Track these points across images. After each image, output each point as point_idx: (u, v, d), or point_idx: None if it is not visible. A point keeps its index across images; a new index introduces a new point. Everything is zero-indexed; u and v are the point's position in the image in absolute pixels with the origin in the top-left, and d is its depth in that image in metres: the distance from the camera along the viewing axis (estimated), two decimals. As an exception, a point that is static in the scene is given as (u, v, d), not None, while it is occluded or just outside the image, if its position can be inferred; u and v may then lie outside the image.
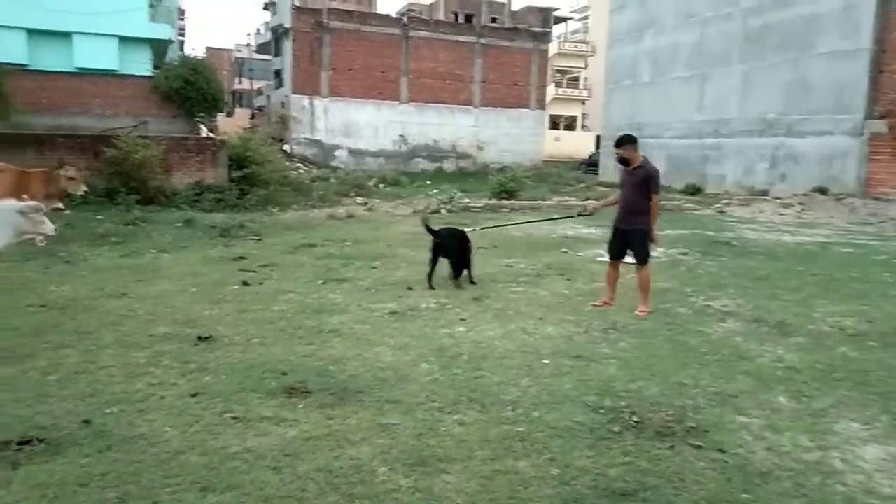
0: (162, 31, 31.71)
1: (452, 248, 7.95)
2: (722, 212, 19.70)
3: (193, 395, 4.20)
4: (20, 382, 4.39)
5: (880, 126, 19.56)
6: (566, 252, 11.05)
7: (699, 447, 3.68)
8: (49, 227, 6.12)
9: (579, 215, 9.41)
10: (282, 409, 4.05)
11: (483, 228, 9.67)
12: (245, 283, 7.61)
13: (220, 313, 6.35)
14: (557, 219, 14.35)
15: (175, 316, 6.20)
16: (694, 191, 25.53)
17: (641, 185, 6.79)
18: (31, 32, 27.82)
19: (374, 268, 8.94)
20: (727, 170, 25.46)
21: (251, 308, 6.57)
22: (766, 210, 20.01)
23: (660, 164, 27.88)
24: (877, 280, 9.15)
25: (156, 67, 30.78)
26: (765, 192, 23.06)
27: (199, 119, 32.03)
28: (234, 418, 3.88)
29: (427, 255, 8.02)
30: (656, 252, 11.22)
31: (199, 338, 5.40)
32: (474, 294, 7.41)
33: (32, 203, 5.79)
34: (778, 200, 21.20)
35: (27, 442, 3.43)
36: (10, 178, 9.71)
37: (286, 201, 17.46)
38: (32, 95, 26.57)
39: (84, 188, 10.09)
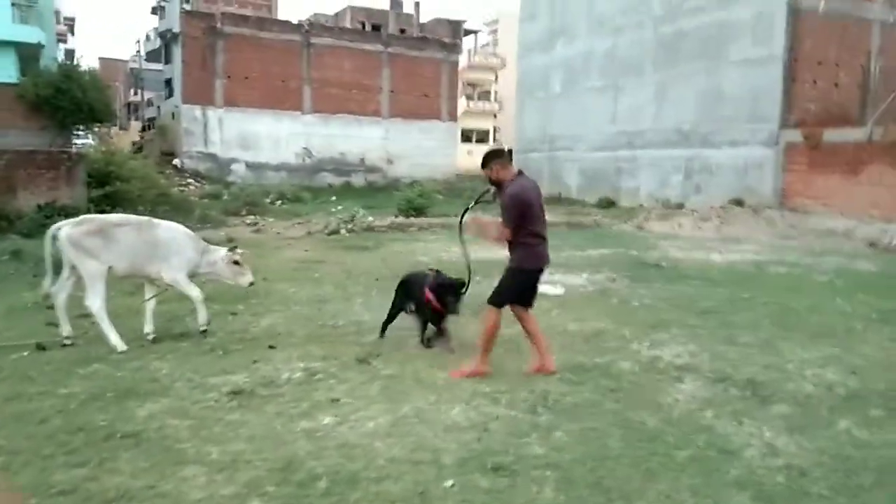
0: (29, 34, 28.40)
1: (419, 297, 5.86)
2: (641, 227, 18.68)
3: None
4: None
5: (795, 135, 19.09)
6: (479, 282, 9.33)
7: None
8: (248, 278, 6.15)
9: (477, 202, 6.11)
10: None
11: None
12: (41, 348, 5.52)
13: (-28, 403, 4.28)
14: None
15: None
16: (608, 204, 24.68)
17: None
18: None
19: (235, 314, 6.97)
20: (641, 182, 24.72)
21: (28, 391, 4.51)
22: (685, 224, 19.14)
23: (573, 177, 27.17)
24: (833, 310, 7.95)
25: (24, 75, 27.43)
26: (680, 205, 22.34)
27: (79, 132, 29.00)
28: None
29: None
30: (580, 279, 9.84)
31: None
32: (360, 352, 5.59)
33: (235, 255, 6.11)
34: (695, 214, 20.45)
35: None
36: None
37: (161, 223, 15.11)
38: None
39: None
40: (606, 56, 25.87)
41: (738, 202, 20.43)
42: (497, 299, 5.13)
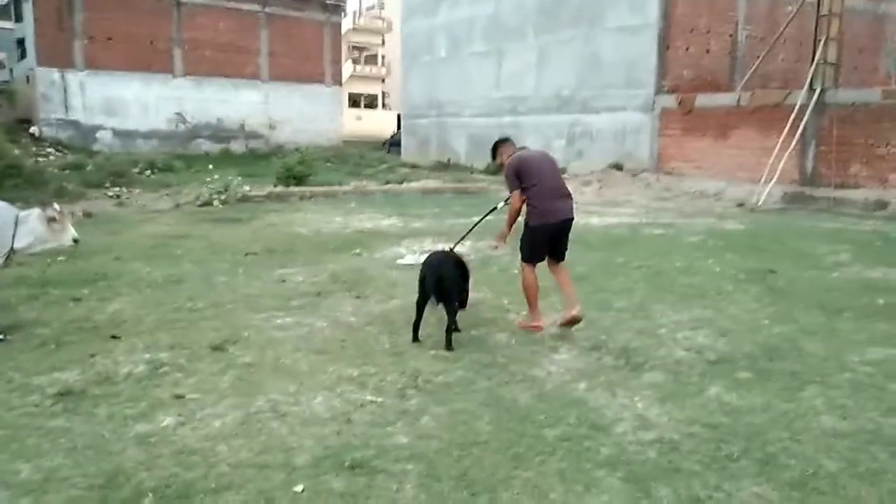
0: None
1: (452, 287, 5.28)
2: (526, 192, 18.77)
3: None
4: None
5: (670, 101, 19.70)
6: (359, 254, 9.01)
7: None
8: (69, 234, 5.29)
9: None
10: None
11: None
12: None
13: None
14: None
15: None
16: (496, 170, 24.71)
17: None
18: None
19: (79, 299, 6.24)
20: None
21: None
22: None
23: (461, 143, 26.81)
24: (704, 271, 8.14)
25: None
26: (563, 170, 22.63)
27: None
28: None
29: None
30: (462, 248, 9.61)
31: None
32: (215, 338, 5.09)
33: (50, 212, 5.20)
34: (577, 179, 20.83)
35: None
36: None
37: (9, 197, 13.59)
38: None
39: None
40: (489, 20, 25.65)
41: (618, 166, 20.95)
42: (523, 256, 5.66)
